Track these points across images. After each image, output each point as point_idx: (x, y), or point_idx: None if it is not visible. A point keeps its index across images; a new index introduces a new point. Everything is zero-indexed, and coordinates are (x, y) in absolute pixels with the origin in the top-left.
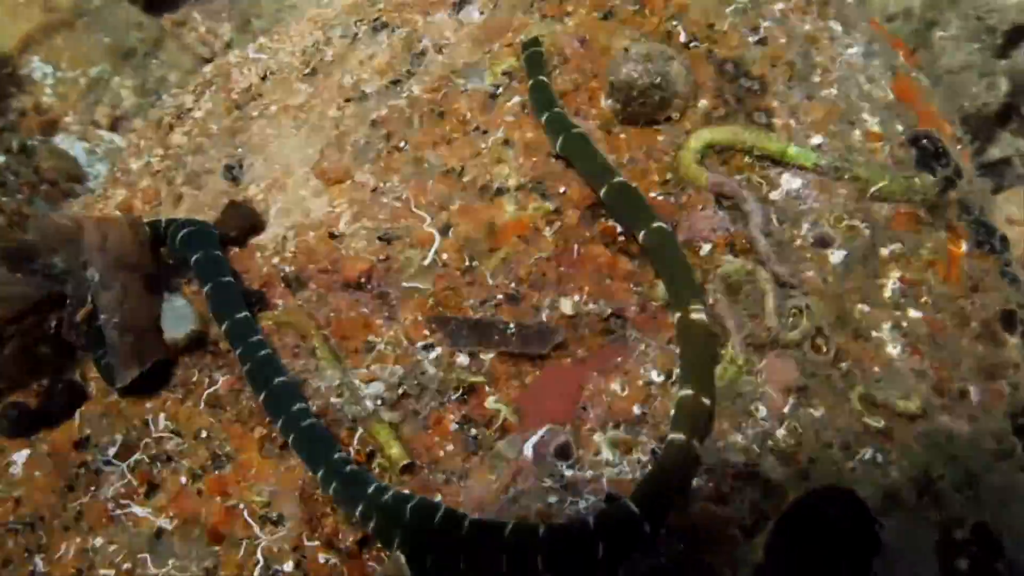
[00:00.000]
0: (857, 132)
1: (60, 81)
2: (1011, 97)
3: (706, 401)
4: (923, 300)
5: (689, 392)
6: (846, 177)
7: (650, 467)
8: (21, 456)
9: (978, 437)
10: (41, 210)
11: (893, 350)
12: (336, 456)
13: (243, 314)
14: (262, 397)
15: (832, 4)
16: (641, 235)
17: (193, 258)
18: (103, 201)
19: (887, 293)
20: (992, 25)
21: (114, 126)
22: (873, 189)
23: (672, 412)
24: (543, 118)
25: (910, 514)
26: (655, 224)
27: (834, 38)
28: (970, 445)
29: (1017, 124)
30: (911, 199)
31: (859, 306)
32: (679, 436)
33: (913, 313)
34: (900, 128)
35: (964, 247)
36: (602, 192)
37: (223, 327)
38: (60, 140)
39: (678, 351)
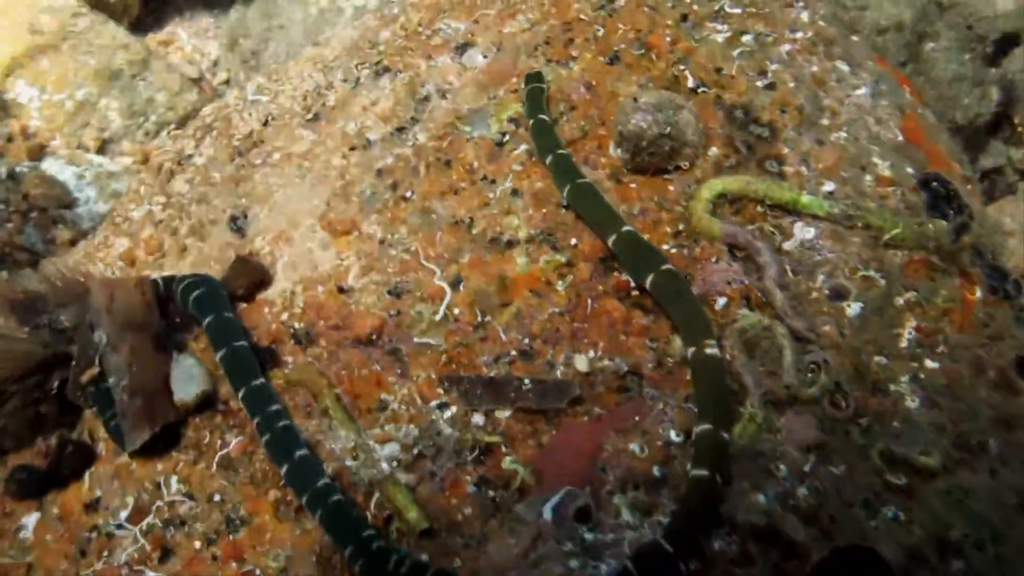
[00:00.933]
0: (868, 177)
1: (47, 104)
2: (1002, 106)
3: (724, 436)
4: (939, 349)
5: (707, 427)
6: (859, 225)
7: (677, 506)
8: (31, 520)
9: (999, 492)
10: (30, 241)
11: (911, 403)
12: (366, 533)
13: (259, 381)
14: (284, 471)
15: (838, 43)
16: (649, 279)
17: (205, 322)
18: (104, 249)
19: (903, 343)
20: (982, 34)
21: (102, 149)
22: (886, 237)
23: (692, 448)
24: (548, 161)
25: (933, 573)
26: (664, 267)
27: (841, 79)
28: (991, 500)
29: (1008, 133)
30: (924, 246)
31: (876, 358)
32: (702, 472)
33: (929, 363)
34: (910, 171)
35: (978, 293)
36: (610, 241)
37: (240, 394)
38: (48, 165)
39: (693, 387)
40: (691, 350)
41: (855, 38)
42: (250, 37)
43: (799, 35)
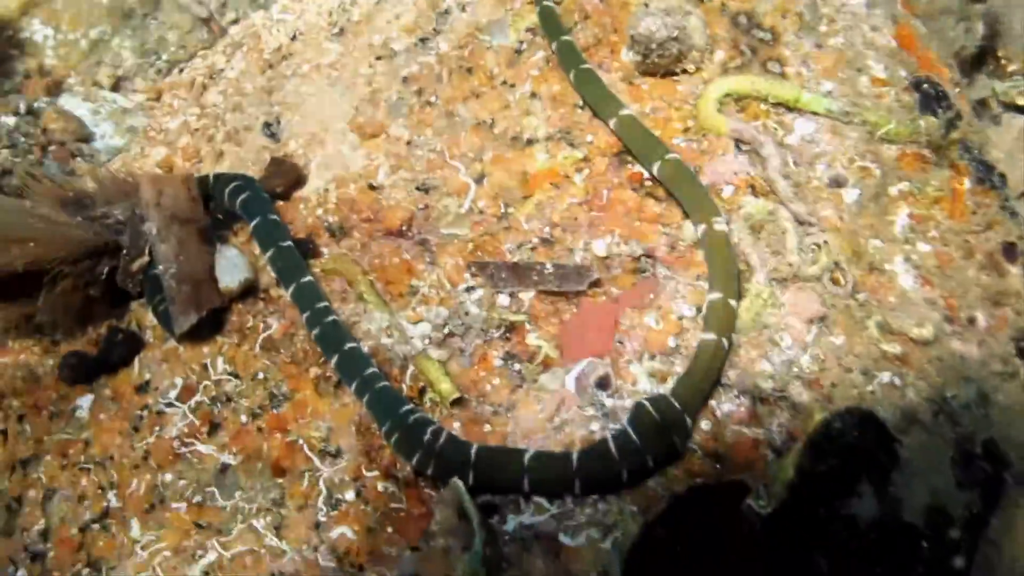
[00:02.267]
0: (864, 78)
1: (61, 43)
2: (987, 40)
3: (732, 303)
4: (931, 234)
5: (718, 295)
6: (856, 121)
7: (689, 367)
8: (86, 400)
9: (986, 360)
10: (49, 172)
11: (906, 281)
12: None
13: (307, 278)
14: (334, 361)
15: None
16: (655, 168)
17: (252, 224)
18: (141, 159)
19: (897, 229)
20: None
21: (116, 86)
22: (881, 132)
23: (703, 314)
24: (554, 46)
25: (927, 432)
26: (668, 156)
27: None
28: (980, 367)
29: (993, 66)
30: (917, 140)
31: (872, 241)
32: (710, 335)
33: (922, 247)
34: (903, 73)
35: (967, 184)
36: (611, 123)
37: (289, 291)
38: (65, 101)
39: (706, 259)
40: (702, 226)
41: None
42: None
43: None
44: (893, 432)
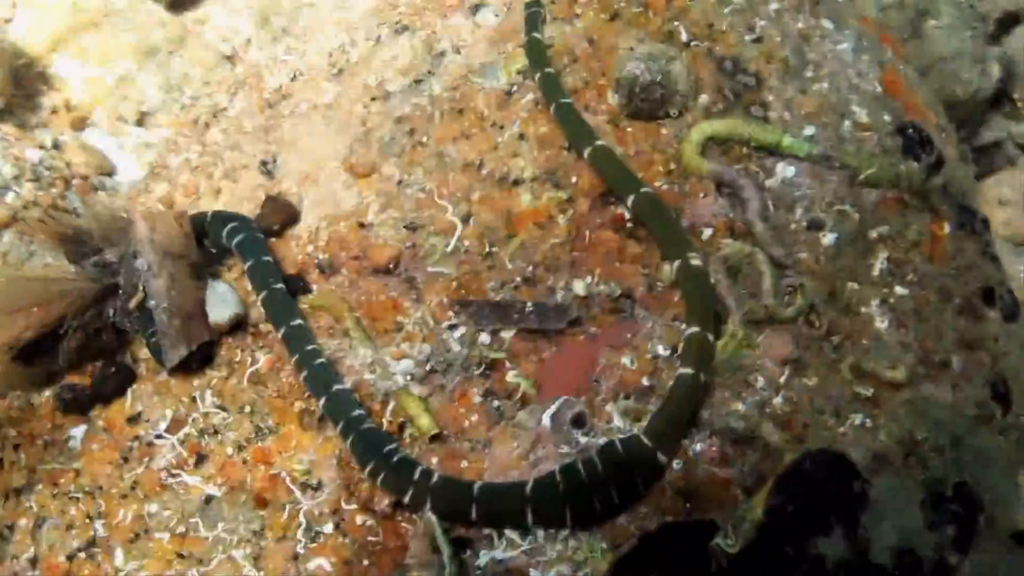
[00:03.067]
0: (847, 123)
1: (88, 79)
2: (1002, 83)
3: (710, 337)
4: (909, 278)
5: (695, 329)
6: (837, 165)
7: (663, 402)
8: (79, 431)
9: (959, 404)
10: (72, 205)
11: (881, 324)
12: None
13: (297, 321)
14: (322, 403)
15: (824, 2)
16: (630, 200)
17: (246, 265)
18: (145, 195)
19: (875, 272)
20: (983, 12)
21: (141, 121)
22: (862, 176)
23: (680, 349)
24: (536, 77)
25: (897, 474)
26: (643, 189)
27: (825, 35)
28: (952, 411)
29: (1008, 108)
30: (898, 185)
31: (850, 284)
32: (687, 370)
33: (899, 290)
34: (887, 118)
35: (947, 229)
36: (585, 153)
37: (280, 333)
38: (89, 135)
39: (682, 294)
40: (677, 263)
41: None
42: (281, 14)
43: None
44: (863, 473)
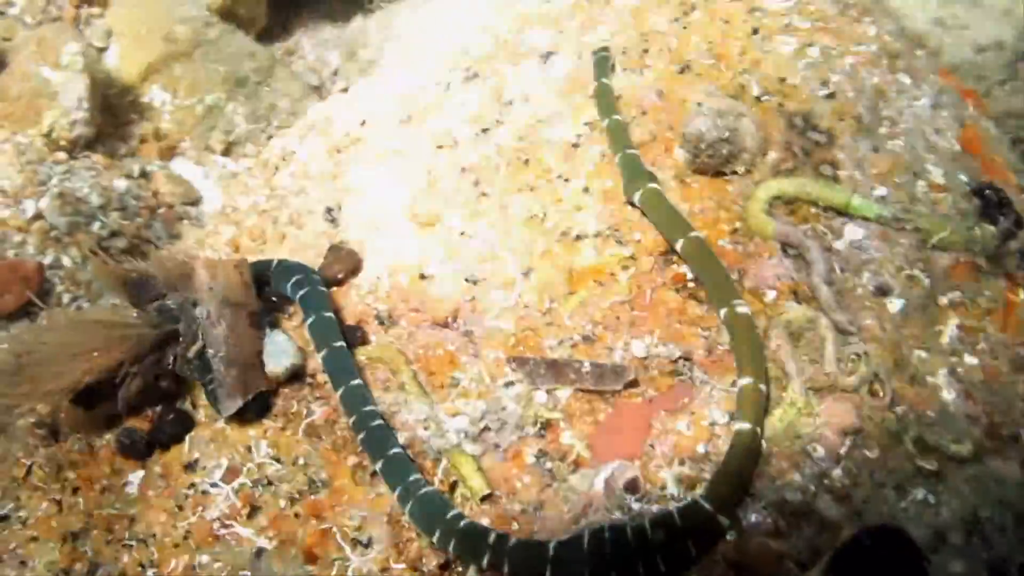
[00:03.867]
0: (921, 183)
1: (178, 108)
2: None
3: (763, 388)
4: (979, 347)
5: (749, 381)
6: (908, 228)
7: (723, 462)
8: (136, 477)
9: None
10: (156, 235)
11: (948, 395)
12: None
13: (356, 381)
14: (379, 466)
15: (903, 57)
16: (679, 244)
17: (307, 321)
18: (214, 236)
19: (945, 340)
20: None
21: (227, 151)
22: (934, 240)
23: (736, 402)
24: (605, 124)
25: (959, 553)
26: (691, 234)
27: (902, 91)
28: (1020, 488)
29: None
30: (971, 249)
31: (917, 352)
32: (745, 425)
33: (969, 359)
34: (964, 179)
35: (1022, 296)
36: (636, 198)
37: (339, 393)
38: (177, 164)
39: (730, 344)
40: (723, 310)
41: (919, 53)
42: (368, 47)
43: (863, 48)
44: (923, 551)
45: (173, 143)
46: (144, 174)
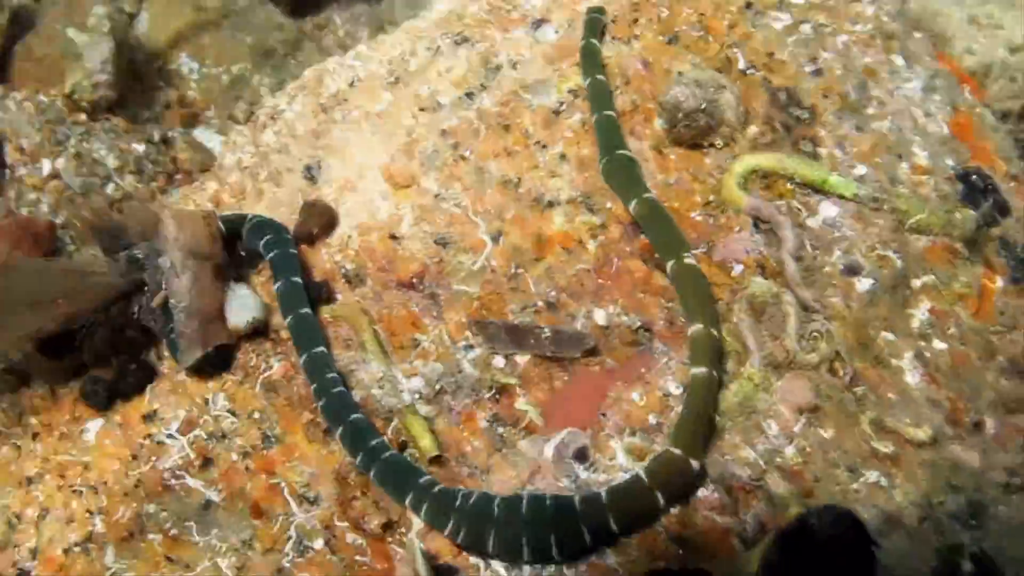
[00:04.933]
0: (904, 165)
1: (204, 77)
2: None
3: (715, 333)
4: (950, 332)
5: (700, 326)
6: (885, 208)
7: (684, 408)
8: (95, 425)
9: (988, 469)
10: (170, 198)
11: (911, 378)
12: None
13: (320, 348)
14: (340, 432)
15: (898, 38)
16: (632, 206)
17: (275, 285)
18: (198, 192)
19: (915, 323)
20: None
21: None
22: (911, 221)
23: (688, 349)
24: (586, 82)
25: (910, 538)
26: (645, 195)
27: (894, 72)
28: (978, 477)
29: None
30: (949, 233)
31: (884, 333)
32: (701, 369)
33: (938, 344)
34: (950, 163)
35: (999, 283)
36: (602, 162)
37: (301, 360)
38: (199, 133)
39: (678, 296)
40: (671, 263)
41: (918, 35)
42: (395, 23)
43: (859, 28)
44: (873, 535)
45: (197, 111)
46: (165, 140)
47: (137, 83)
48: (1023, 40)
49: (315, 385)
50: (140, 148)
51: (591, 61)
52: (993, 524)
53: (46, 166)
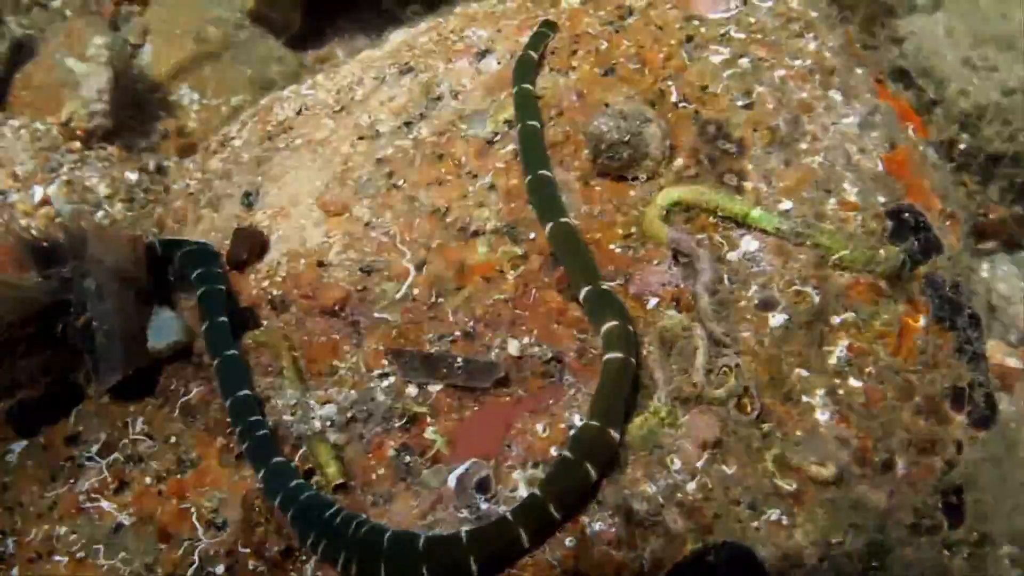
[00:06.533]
0: (832, 200)
1: (204, 108)
2: None
3: (630, 327)
4: (867, 370)
5: (614, 323)
6: (807, 244)
7: (599, 386)
8: (19, 446)
9: (895, 510)
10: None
11: (821, 416)
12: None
13: (245, 392)
14: (261, 476)
15: (838, 74)
16: (547, 228)
17: (203, 326)
18: (146, 218)
19: (832, 360)
20: None
21: None
22: (834, 258)
23: (601, 341)
24: (514, 91)
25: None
26: (561, 219)
27: (831, 107)
28: (883, 516)
29: None
30: (872, 270)
31: (797, 370)
32: (616, 354)
33: (853, 382)
34: (881, 199)
35: (922, 321)
36: (526, 181)
37: (227, 404)
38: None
39: (588, 311)
40: (585, 289)
41: (859, 71)
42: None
43: (797, 63)
44: (770, 573)
45: (195, 141)
46: (160, 169)
47: (137, 112)
48: (1017, 83)
49: (240, 428)
50: (133, 176)
51: (524, 71)
52: (897, 566)
53: (38, 192)
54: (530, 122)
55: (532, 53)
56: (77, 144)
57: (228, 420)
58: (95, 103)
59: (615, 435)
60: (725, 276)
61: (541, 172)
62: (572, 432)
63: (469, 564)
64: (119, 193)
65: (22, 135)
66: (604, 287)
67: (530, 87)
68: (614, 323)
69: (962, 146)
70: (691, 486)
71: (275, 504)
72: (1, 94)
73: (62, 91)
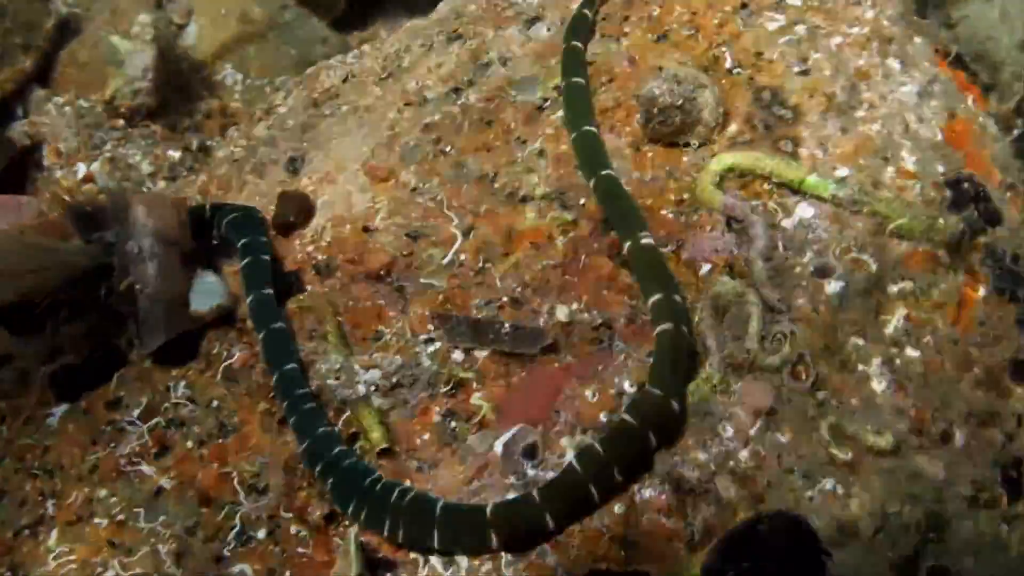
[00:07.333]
0: (890, 169)
1: (248, 88)
2: None
3: (677, 299)
4: (925, 340)
5: (660, 295)
6: (864, 211)
7: (656, 357)
8: (60, 409)
9: (953, 482)
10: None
11: (878, 385)
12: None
13: (291, 365)
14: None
15: (896, 42)
16: (592, 182)
17: (247, 299)
18: (190, 185)
19: (889, 329)
20: None
21: None
22: (892, 226)
23: (651, 314)
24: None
25: (864, 548)
26: (603, 172)
27: (889, 75)
28: (940, 489)
29: None
30: (931, 239)
31: (853, 339)
32: (667, 325)
33: (910, 352)
34: (940, 169)
35: (981, 292)
36: (570, 139)
37: (273, 379)
38: None
39: (635, 272)
40: (627, 243)
41: (918, 40)
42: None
43: (854, 30)
44: (824, 544)
45: (238, 121)
46: (203, 148)
47: (181, 92)
48: None
49: (285, 403)
50: (176, 155)
51: (577, 29)
52: (955, 539)
53: (81, 169)
54: (575, 79)
55: (587, 11)
56: (121, 122)
57: (272, 395)
58: (139, 81)
59: (675, 405)
60: (780, 242)
61: (586, 128)
62: (631, 401)
63: (545, 519)
64: (162, 171)
65: (66, 112)
66: (647, 241)
67: (579, 44)
68: (660, 296)
69: (1016, 131)
70: (743, 454)
71: (315, 474)
72: (46, 71)
73: (107, 69)
